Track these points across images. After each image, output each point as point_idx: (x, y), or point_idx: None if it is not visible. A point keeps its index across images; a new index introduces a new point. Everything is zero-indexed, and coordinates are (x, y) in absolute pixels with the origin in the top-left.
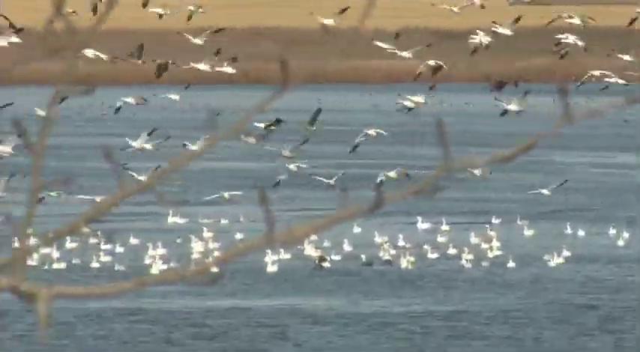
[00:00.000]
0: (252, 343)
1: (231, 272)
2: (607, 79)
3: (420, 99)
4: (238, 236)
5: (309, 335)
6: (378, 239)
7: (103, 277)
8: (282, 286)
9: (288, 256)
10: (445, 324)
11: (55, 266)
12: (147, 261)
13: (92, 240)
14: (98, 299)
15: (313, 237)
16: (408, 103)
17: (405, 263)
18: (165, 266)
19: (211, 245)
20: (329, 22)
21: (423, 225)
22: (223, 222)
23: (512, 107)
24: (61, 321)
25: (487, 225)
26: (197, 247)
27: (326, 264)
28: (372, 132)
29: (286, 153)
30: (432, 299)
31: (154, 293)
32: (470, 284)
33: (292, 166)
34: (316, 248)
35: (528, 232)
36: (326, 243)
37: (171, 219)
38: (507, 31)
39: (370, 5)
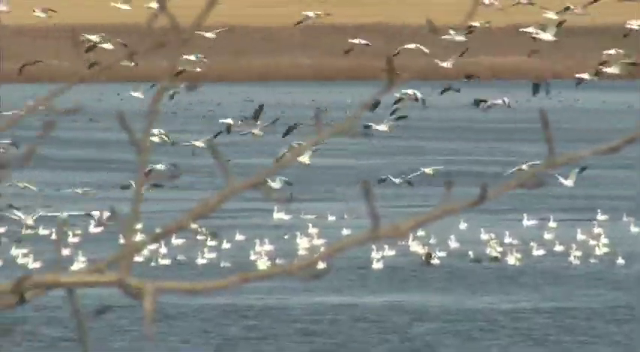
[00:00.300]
0: (358, 339)
1: (337, 268)
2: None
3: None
4: (344, 232)
5: (416, 332)
6: (484, 235)
7: (208, 273)
8: (388, 283)
9: (393, 253)
10: (552, 321)
11: (161, 262)
12: (253, 258)
13: (198, 237)
14: (203, 294)
15: (419, 234)
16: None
17: (512, 260)
18: (270, 263)
19: (317, 241)
20: (310, 14)
21: (529, 221)
22: (330, 218)
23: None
24: (166, 316)
25: (594, 222)
26: (303, 243)
27: (434, 261)
28: (384, 127)
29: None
30: (540, 296)
31: (260, 289)
32: (577, 281)
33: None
34: (422, 244)
35: (635, 229)
36: (432, 240)
37: (276, 216)
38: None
39: (476, 3)
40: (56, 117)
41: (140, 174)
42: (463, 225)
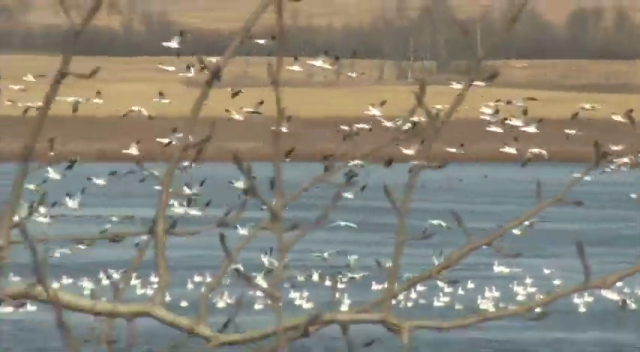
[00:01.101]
0: None
1: (551, 311)
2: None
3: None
4: (555, 282)
5: None
6: None
7: (443, 315)
8: (592, 323)
9: (592, 299)
10: None
11: (406, 304)
12: (479, 302)
13: (438, 283)
14: (450, 330)
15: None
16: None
17: None
18: (495, 307)
19: (531, 289)
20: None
21: None
22: (546, 271)
23: None
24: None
25: None
26: (521, 291)
27: (630, 306)
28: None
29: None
30: None
31: (491, 327)
32: None
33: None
34: (617, 293)
35: None
36: (625, 289)
37: (497, 268)
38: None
39: None
40: (336, 189)
41: (399, 235)
42: None
